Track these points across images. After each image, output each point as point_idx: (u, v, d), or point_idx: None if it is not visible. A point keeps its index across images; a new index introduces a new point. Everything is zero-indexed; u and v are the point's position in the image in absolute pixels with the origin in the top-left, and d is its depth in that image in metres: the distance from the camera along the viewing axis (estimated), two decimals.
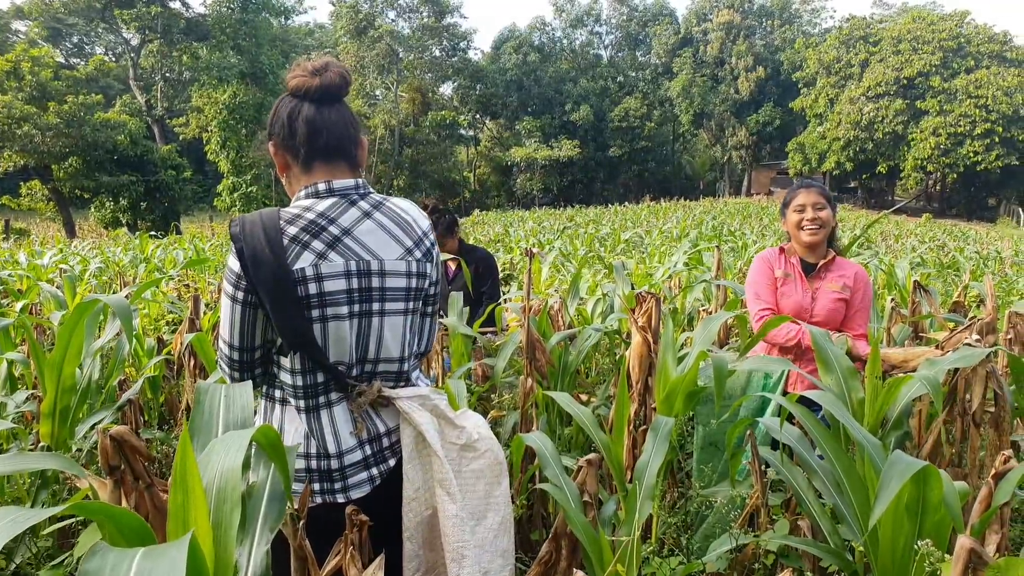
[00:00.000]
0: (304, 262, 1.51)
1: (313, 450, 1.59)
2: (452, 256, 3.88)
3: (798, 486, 1.86)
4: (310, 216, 1.55)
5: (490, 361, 3.27)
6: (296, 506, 1.39)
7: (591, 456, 1.92)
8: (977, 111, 37.20)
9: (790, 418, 2.11)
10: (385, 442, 1.69)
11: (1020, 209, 37.25)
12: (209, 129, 37.15)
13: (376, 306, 1.60)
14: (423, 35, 47.76)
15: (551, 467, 1.96)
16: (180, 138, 43.75)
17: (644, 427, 2.55)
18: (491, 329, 3.91)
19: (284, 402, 1.64)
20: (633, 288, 4.28)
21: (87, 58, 47.66)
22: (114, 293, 5.90)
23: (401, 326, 1.66)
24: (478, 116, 53.28)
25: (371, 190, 1.68)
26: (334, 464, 1.60)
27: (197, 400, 1.18)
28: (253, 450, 1.23)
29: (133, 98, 40.84)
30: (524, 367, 2.93)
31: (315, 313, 1.53)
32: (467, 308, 3.44)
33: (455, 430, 1.71)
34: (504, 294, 4.34)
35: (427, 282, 1.70)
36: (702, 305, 5.13)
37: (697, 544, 2.22)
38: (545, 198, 49.88)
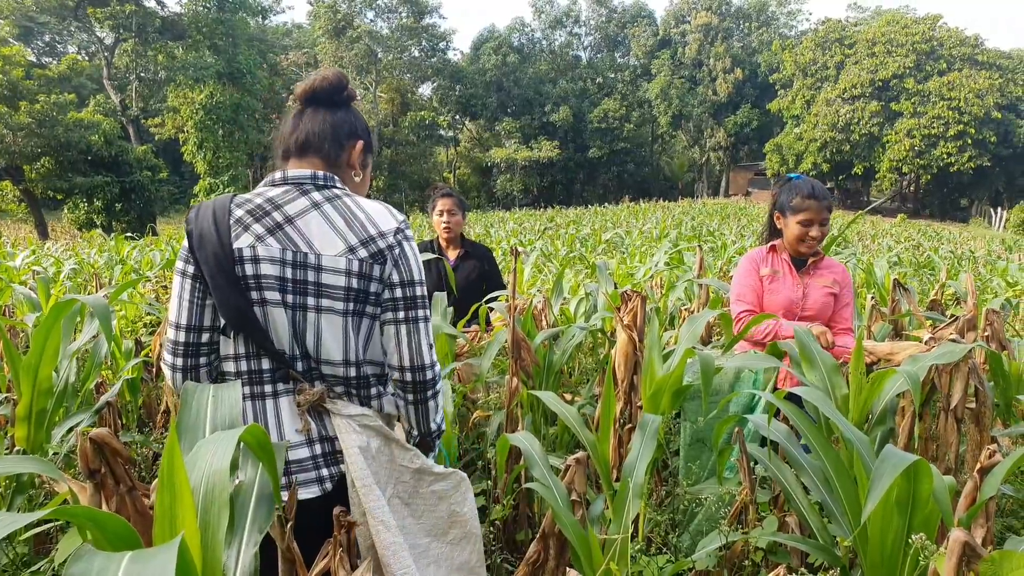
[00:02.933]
0: (243, 243, 1.55)
1: None
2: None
3: (786, 482, 1.87)
4: (258, 200, 1.60)
5: (475, 361, 3.25)
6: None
7: (579, 455, 1.91)
8: (950, 113, 37.80)
9: (776, 413, 2.11)
10: (337, 444, 1.64)
11: (992, 210, 37.83)
12: (185, 130, 36.68)
13: (311, 301, 1.58)
14: (402, 35, 47.61)
15: (538, 467, 1.95)
16: (156, 138, 43.18)
17: (630, 425, 2.55)
18: (472, 329, 3.90)
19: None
20: (616, 287, 4.28)
21: (59, 57, 46.94)
22: (90, 295, 5.81)
23: (340, 326, 1.60)
24: (458, 117, 53.20)
25: (336, 185, 1.65)
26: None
27: (184, 400, 1.16)
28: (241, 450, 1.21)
29: (107, 98, 40.23)
30: (509, 366, 2.92)
31: (254, 295, 1.56)
32: (451, 308, 3.42)
33: (407, 452, 1.67)
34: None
35: (373, 284, 1.61)
36: (683, 304, 5.15)
37: (687, 542, 2.21)
38: (525, 199, 49.92)
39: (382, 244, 1.61)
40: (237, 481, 1.26)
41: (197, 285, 1.58)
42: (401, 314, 1.66)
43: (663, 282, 5.91)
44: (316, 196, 1.61)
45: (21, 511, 2.30)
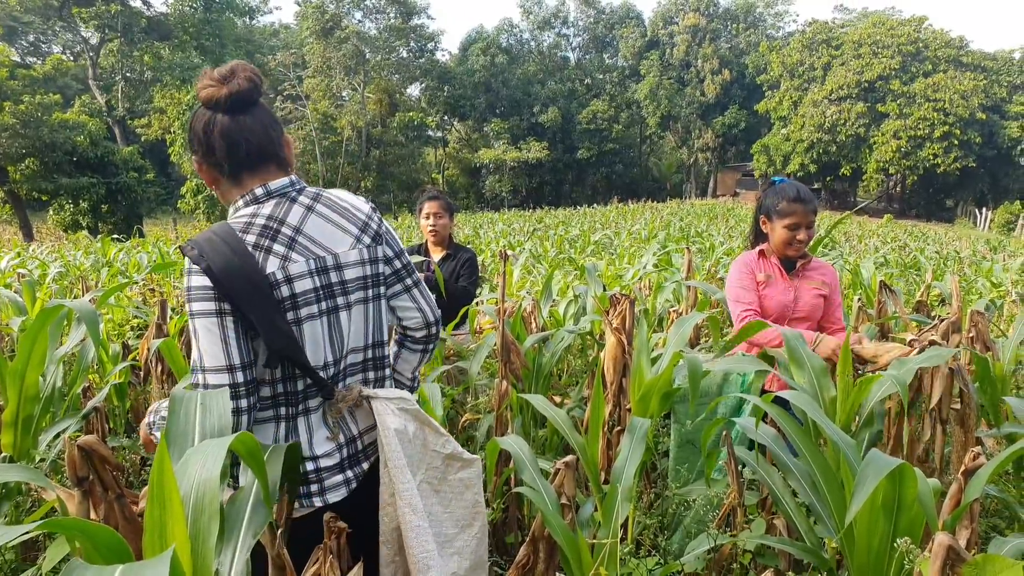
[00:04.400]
0: (272, 266, 1.50)
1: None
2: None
3: (774, 485, 1.88)
4: (261, 221, 1.53)
5: (464, 364, 3.26)
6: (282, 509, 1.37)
7: (568, 458, 1.92)
8: (935, 114, 38.10)
9: (765, 416, 2.13)
10: (359, 444, 1.68)
11: (977, 210, 38.16)
12: (172, 130, 36.44)
13: (340, 300, 1.60)
14: (390, 36, 47.49)
15: (528, 470, 1.96)
16: (142, 139, 42.88)
17: (619, 428, 2.56)
18: (462, 332, 3.90)
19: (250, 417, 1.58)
20: (605, 289, 4.29)
21: (44, 57, 46.50)
22: (76, 298, 5.77)
23: (363, 314, 1.66)
24: (446, 117, 53.11)
25: (305, 185, 1.66)
26: (309, 467, 1.59)
27: (172, 409, 1.15)
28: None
29: (93, 98, 39.96)
30: (499, 369, 2.92)
31: (290, 316, 1.52)
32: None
33: (440, 437, 1.71)
34: (476, 296, 4.34)
35: (382, 265, 1.70)
36: (672, 306, 5.17)
37: (676, 545, 2.23)
38: (514, 200, 49.90)
39: (373, 225, 1.69)
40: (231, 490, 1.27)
41: (238, 321, 1.47)
42: (409, 281, 1.78)
43: (651, 284, 5.93)
44: (304, 200, 1.61)
45: (8, 518, 2.29)
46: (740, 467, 2.06)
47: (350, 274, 1.62)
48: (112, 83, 41.21)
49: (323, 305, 1.56)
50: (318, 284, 1.55)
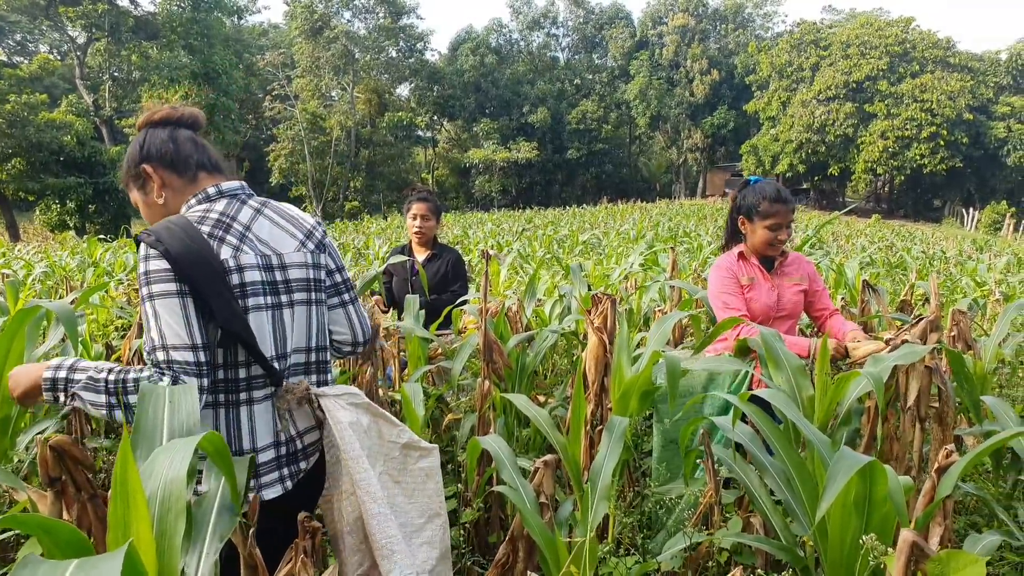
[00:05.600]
0: (226, 254, 1.57)
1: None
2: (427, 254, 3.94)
3: (750, 484, 1.89)
4: (214, 216, 1.62)
5: (447, 364, 3.25)
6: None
7: (547, 457, 1.93)
8: (923, 115, 38.33)
9: (744, 416, 2.14)
10: (298, 444, 1.72)
11: (964, 210, 38.43)
12: None
13: (284, 298, 1.67)
14: (379, 36, 47.36)
15: (507, 469, 1.96)
16: (130, 139, 42.57)
17: (601, 427, 2.56)
18: (447, 332, 3.90)
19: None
20: (590, 289, 4.30)
21: (31, 56, 46.11)
22: (60, 299, 5.73)
23: (306, 316, 1.73)
24: (435, 118, 53.02)
25: (254, 192, 1.77)
26: None
27: (139, 405, 1.15)
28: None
29: (80, 98, 39.61)
30: (481, 369, 2.92)
31: (241, 303, 1.58)
32: (422, 312, 3.43)
33: (394, 428, 1.73)
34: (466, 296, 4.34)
35: (324, 272, 1.81)
36: (658, 305, 5.18)
37: (659, 543, 2.23)
38: (504, 200, 49.89)
39: (318, 235, 1.81)
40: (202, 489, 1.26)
41: (197, 302, 1.51)
42: (346, 296, 1.89)
43: (637, 283, 5.94)
44: (253, 204, 1.71)
45: None
46: (717, 465, 2.07)
47: (294, 274, 1.70)
48: (99, 83, 40.90)
49: (269, 299, 1.63)
50: (265, 279, 1.63)
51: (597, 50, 58.40)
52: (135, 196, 1.75)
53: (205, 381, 1.51)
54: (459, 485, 2.85)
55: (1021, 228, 32.19)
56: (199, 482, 1.43)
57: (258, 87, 46.14)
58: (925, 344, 2.31)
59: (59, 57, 47.60)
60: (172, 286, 1.49)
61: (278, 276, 1.66)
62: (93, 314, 5.10)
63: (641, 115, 51.76)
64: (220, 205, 1.65)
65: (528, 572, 1.85)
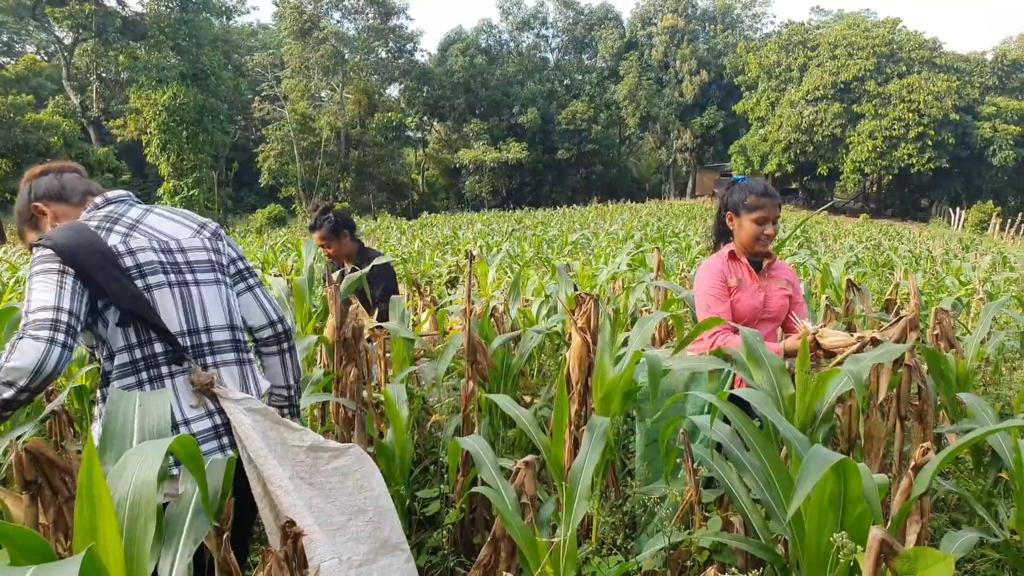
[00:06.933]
0: (114, 240, 1.69)
1: None
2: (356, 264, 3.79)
3: (730, 483, 1.89)
4: (101, 215, 1.77)
5: (431, 364, 3.25)
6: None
7: (528, 458, 1.93)
8: (910, 115, 38.55)
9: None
10: None
11: (951, 210, 38.65)
12: (148, 131, 36.00)
13: (189, 277, 1.78)
14: (369, 36, 47.25)
15: (488, 470, 1.97)
16: (118, 141, 42.30)
17: (584, 427, 2.56)
18: (432, 333, 3.89)
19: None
20: (577, 289, 4.30)
21: (17, 57, 45.72)
22: None
23: (217, 294, 1.84)
24: (425, 118, 52.92)
25: (141, 200, 1.92)
26: (182, 431, 1.68)
27: (110, 408, 1.15)
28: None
29: (67, 99, 39.37)
30: (465, 370, 2.92)
31: (139, 283, 1.67)
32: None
33: (295, 432, 1.75)
34: (449, 294, 4.33)
35: (226, 258, 1.92)
36: (644, 305, 5.19)
37: (645, 543, 2.23)
38: (494, 200, 49.85)
39: (211, 227, 1.94)
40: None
41: (78, 282, 1.60)
42: (252, 280, 1.98)
43: (624, 283, 5.96)
44: (141, 207, 1.87)
45: None
46: (697, 465, 2.07)
47: (194, 256, 1.82)
48: (86, 83, 40.68)
49: (171, 277, 1.74)
50: (163, 259, 1.74)
51: (587, 51, 58.43)
52: (32, 238, 1.85)
53: (59, 336, 1.53)
54: (444, 486, 2.85)
55: (1007, 227, 32.40)
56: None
57: (247, 88, 45.94)
58: (905, 343, 2.33)
59: (46, 58, 47.27)
60: (54, 265, 1.59)
61: (179, 258, 1.78)
62: None
63: (631, 115, 51.81)
64: (107, 209, 1.79)
65: (510, 573, 1.85)
